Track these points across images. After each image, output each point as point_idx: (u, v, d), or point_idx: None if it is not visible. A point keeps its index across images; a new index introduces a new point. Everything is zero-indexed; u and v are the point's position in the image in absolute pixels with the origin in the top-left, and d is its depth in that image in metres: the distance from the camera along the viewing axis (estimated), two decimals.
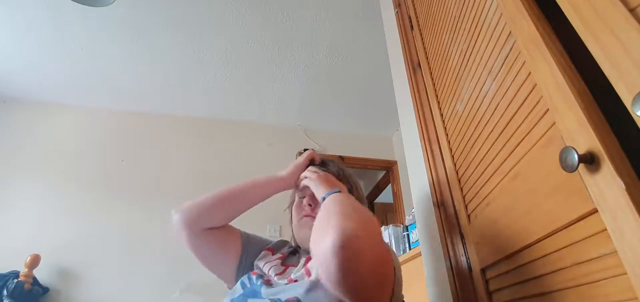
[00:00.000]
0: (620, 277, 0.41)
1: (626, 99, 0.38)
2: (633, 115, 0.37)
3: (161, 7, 1.97)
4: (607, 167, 0.40)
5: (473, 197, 0.77)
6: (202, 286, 2.22)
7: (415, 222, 1.16)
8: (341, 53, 2.35)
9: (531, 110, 0.57)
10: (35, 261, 1.99)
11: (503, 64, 0.66)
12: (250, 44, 2.25)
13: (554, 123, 0.51)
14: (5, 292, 1.89)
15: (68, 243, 2.24)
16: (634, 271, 0.38)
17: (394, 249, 1.63)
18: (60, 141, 2.56)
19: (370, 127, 3.17)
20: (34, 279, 2.00)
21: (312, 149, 0.96)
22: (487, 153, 0.72)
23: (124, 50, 2.25)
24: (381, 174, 3.52)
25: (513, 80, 0.63)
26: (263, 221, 2.40)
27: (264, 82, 2.59)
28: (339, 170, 0.87)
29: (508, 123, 0.64)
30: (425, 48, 1.12)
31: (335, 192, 0.68)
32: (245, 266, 0.82)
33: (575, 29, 0.46)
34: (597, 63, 0.42)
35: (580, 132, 0.45)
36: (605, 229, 0.42)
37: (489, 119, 0.71)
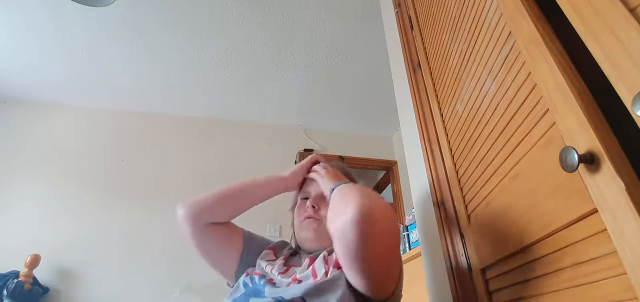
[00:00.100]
0: (620, 277, 0.41)
1: (626, 99, 0.38)
2: (633, 115, 0.37)
3: (161, 7, 1.97)
4: (607, 167, 0.40)
5: (473, 197, 0.77)
6: (202, 286, 2.22)
7: (415, 222, 1.16)
8: (341, 53, 2.35)
9: (531, 110, 0.57)
10: (35, 261, 1.99)
11: (503, 64, 0.66)
12: (250, 44, 2.25)
13: (554, 123, 0.51)
14: (5, 292, 1.89)
15: (68, 243, 2.24)
16: (634, 271, 0.38)
17: None
18: (60, 141, 2.56)
19: (370, 127, 3.17)
20: (34, 279, 2.00)
21: (316, 152, 0.97)
22: (487, 153, 0.72)
23: (124, 50, 2.25)
24: (381, 174, 3.52)
25: (513, 80, 0.63)
26: (263, 221, 2.40)
27: (264, 82, 2.59)
28: (344, 169, 0.89)
29: (508, 123, 0.64)
30: (425, 48, 1.12)
31: (345, 183, 0.71)
32: (246, 262, 0.83)
33: (575, 29, 0.46)
34: (597, 63, 0.42)
35: (580, 132, 0.45)
36: (605, 229, 0.42)
37: (489, 119, 0.71)
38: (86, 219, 2.34)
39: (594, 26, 0.43)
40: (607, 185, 0.41)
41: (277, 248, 0.87)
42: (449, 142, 0.91)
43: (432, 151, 1.00)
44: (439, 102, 0.99)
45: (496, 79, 0.68)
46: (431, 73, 1.06)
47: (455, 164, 0.87)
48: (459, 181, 0.84)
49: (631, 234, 0.38)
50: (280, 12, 2.04)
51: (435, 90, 1.02)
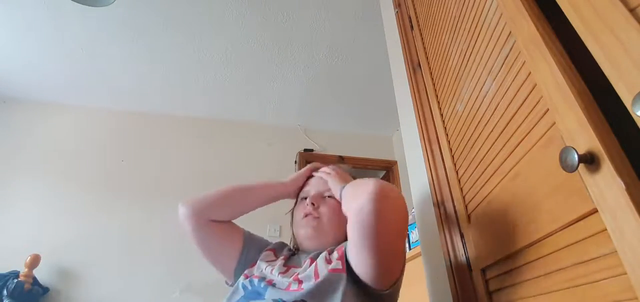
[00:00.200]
0: (620, 277, 0.41)
1: (626, 99, 0.38)
2: (633, 115, 0.37)
3: (161, 7, 1.97)
4: (607, 167, 0.40)
5: (473, 197, 0.77)
6: (202, 286, 2.22)
7: (415, 222, 1.16)
8: (341, 53, 2.35)
9: (531, 110, 0.57)
10: (35, 261, 1.99)
11: (503, 64, 0.66)
12: (250, 44, 2.25)
13: (554, 123, 0.51)
14: (5, 292, 1.89)
15: (68, 243, 2.24)
16: (634, 271, 0.38)
17: None
18: (60, 141, 2.56)
19: (370, 127, 3.17)
20: (34, 279, 2.00)
21: (315, 162, 0.99)
22: (487, 153, 0.72)
23: (124, 50, 2.25)
24: (381, 174, 3.52)
25: (513, 80, 0.63)
26: (263, 221, 2.40)
27: (264, 82, 2.59)
28: (351, 173, 0.92)
29: (508, 123, 0.64)
30: (425, 48, 1.12)
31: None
32: (246, 260, 0.84)
33: (575, 29, 0.46)
34: (597, 63, 0.42)
35: (580, 132, 0.45)
36: (605, 229, 0.42)
37: (489, 119, 0.71)
38: (86, 219, 2.34)
39: (594, 26, 0.43)
40: (607, 185, 0.41)
41: (277, 249, 0.88)
42: (449, 142, 0.91)
43: (432, 151, 1.00)
44: (439, 102, 0.99)
45: (496, 79, 0.68)
46: (431, 73, 1.06)
47: (455, 164, 0.87)
48: (459, 180, 0.84)
49: (631, 234, 0.38)
50: (280, 12, 2.04)
51: (435, 90, 1.02)
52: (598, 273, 0.45)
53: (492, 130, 0.70)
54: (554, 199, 0.52)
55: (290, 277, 0.71)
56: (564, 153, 0.44)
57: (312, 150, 2.98)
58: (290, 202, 0.95)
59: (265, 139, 2.96)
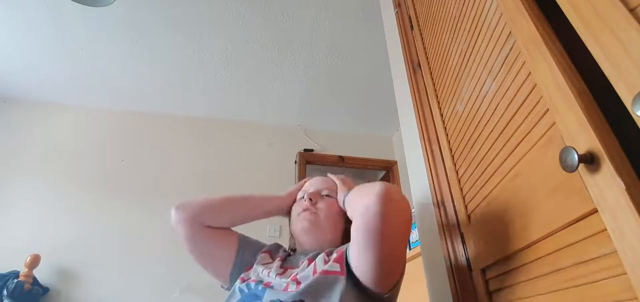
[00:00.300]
0: (620, 277, 0.41)
1: (626, 99, 0.38)
2: (633, 115, 0.37)
3: (161, 7, 1.97)
4: (607, 167, 0.40)
5: (473, 197, 0.77)
6: (202, 286, 2.22)
7: (415, 222, 1.16)
8: (341, 53, 2.35)
9: (531, 110, 0.57)
10: (35, 261, 1.99)
11: (503, 64, 0.66)
12: (250, 44, 2.25)
13: (554, 123, 0.51)
14: (5, 292, 1.89)
15: (68, 243, 2.24)
16: (634, 271, 0.38)
17: None
18: (60, 141, 2.56)
19: (370, 127, 3.17)
20: (34, 279, 2.00)
21: (306, 177, 1.00)
22: (487, 153, 0.72)
23: (124, 50, 2.25)
24: (381, 174, 3.52)
25: (513, 80, 0.63)
26: (263, 221, 2.39)
27: (264, 82, 2.59)
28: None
29: (508, 123, 0.64)
30: (425, 48, 1.12)
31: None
32: (241, 263, 0.83)
33: (575, 29, 0.46)
34: (597, 63, 0.42)
35: (580, 132, 0.45)
36: (605, 229, 0.42)
37: (489, 119, 0.71)
38: (86, 219, 2.34)
39: (594, 26, 0.43)
40: (607, 185, 0.41)
41: (272, 250, 0.88)
42: (449, 142, 0.91)
43: (432, 151, 1.00)
44: (439, 102, 0.99)
45: (496, 79, 0.68)
46: (431, 73, 1.06)
47: (455, 164, 0.87)
48: (459, 181, 0.84)
49: (631, 234, 0.38)
50: (280, 12, 2.04)
51: (435, 90, 1.02)
52: (598, 273, 0.45)
53: (492, 131, 0.70)
54: (554, 199, 0.52)
55: (288, 278, 0.71)
56: (564, 153, 0.44)
57: (312, 150, 2.98)
58: None
59: (265, 139, 2.96)
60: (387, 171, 3.23)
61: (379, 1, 1.81)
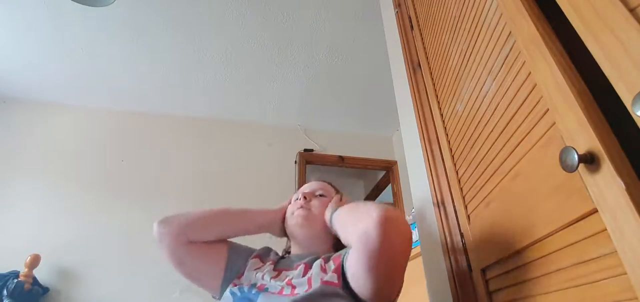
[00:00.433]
0: (620, 277, 0.41)
1: (626, 99, 0.38)
2: (633, 115, 0.37)
3: (161, 7, 1.97)
4: (607, 167, 0.40)
5: (473, 197, 0.77)
6: None
7: (415, 222, 1.16)
8: (341, 53, 2.35)
9: (531, 110, 0.57)
10: (35, 261, 1.99)
11: (503, 64, 0.66)
12: (250, 44, 2.25)
13: (554, 123, 0.51)
14: (5, 292, 1.89)
15: (68, 243, 2.24)
16: (634, 271, 0.38)
17: None
18: (60, 141, 2.55)
19: (370, 127, 3.17)
20: (34, 279, 2.00)
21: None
22: (487, 153, 0.72)
23: (124, 50, 2.25)
24: (381, 174, 3.52)
25: (513, 80, 0.63)
26: None
27: (264, 82, 2.59)
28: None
29: (508, 123, 0.64)
30: (425, 48, 1.12)
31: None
32: (231, 274, 0.81)
33: (575, 29, 0.46)
34: (597, 63, 0.42)
35: (580, 132, 0.45)
36: (605, 229, 0.42)
37: (489, 119, 0.71)
38: (86, 219, 2.34)
39: (594, 26, 0.43)
40: (607, 185, 0.41)
41: (263, 254, 0.87)
42: (449, 142, 0.91)
43: (432, 151, 1.00)
44: (439, 102, 0.99)
45: (496, 79, 0.68)
46: (431, 73, 1.06)
47: (455, 164, 0.87)
48: (459, 181, 0.84)
49: (631, 234, 0.38)
50: (280, 12, 2.04)
51: (435, 90, 1.02)
52: (598, 273, 0.45)
53: (492, 130, 0.70)
54: (554, 199, 0.52)
55: (283, 281, 0.70)
56: (564, 153, 0.44)
57: (312, 150, 2.98)
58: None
59: (265, 139, 2.95)
60: (387, 171, 3.23)
61: (379, 1, 1.81)
